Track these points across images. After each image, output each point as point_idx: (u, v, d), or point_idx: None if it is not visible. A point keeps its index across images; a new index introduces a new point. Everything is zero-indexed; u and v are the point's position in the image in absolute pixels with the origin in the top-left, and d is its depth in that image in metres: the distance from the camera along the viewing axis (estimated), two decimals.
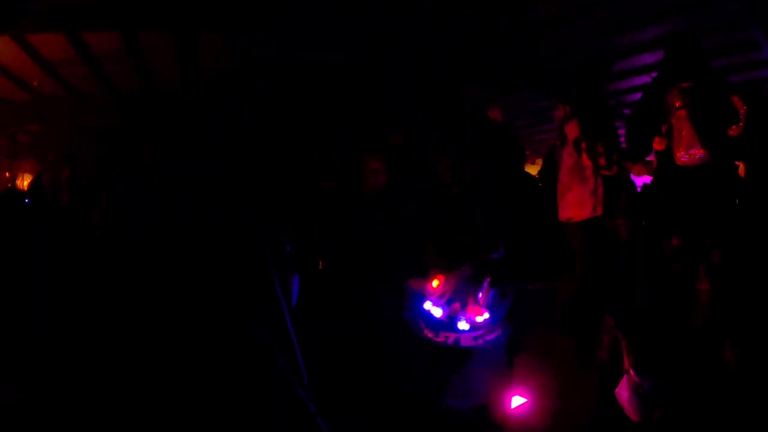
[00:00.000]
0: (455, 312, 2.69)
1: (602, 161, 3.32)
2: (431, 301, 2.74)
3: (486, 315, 2.64)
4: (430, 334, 2.63)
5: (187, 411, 0.52)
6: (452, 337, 2.59)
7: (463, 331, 2.60)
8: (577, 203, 3.46)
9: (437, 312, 2.68)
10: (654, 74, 7.25)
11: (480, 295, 2.76)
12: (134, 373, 0.53)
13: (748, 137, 2.68)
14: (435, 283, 2.81)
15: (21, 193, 7.02)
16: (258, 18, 5.32)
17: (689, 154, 2.73)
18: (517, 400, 2.27)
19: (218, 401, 0.53)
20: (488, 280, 2.85)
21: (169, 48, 6.47)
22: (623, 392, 2.51)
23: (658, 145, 2.88)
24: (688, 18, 5.37)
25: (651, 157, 3.27)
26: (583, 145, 3.34)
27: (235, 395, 0.53)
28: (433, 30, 5.72)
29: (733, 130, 2.70)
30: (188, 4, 5.04)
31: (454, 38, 6.00)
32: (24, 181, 10.05)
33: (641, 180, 6.37)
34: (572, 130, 3.43)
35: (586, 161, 3.34)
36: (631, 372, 2.50)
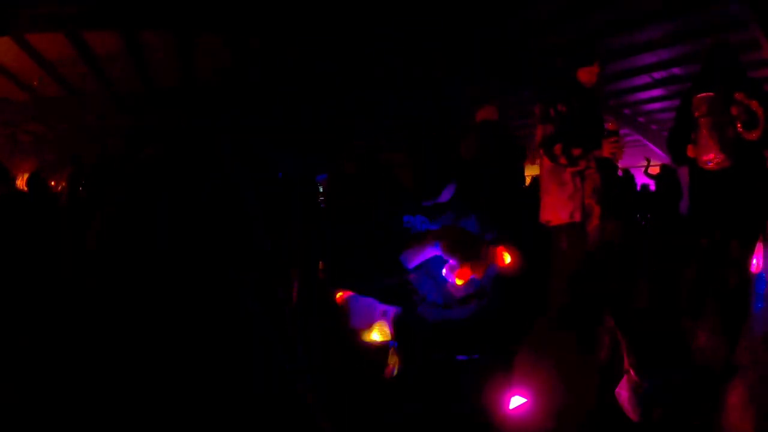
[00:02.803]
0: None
1: (563, 160, 3.28)
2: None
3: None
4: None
5: (187, 408, 0.52)
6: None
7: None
8: (554, 207, 3.36)
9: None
10: (654, 74, 7.28)
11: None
12: (136, 373, 0.53)
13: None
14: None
15: (21, 193, 7.01)
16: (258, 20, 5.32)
17: (711, 159, 2.89)
18: (516, 401, 2.27)
19: (220, 398, 0.53)
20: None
21: (169, 48, 6.47)
22: (623, 392, 2.51)
23: (690, 152, 3.03)
24: (688, 18, 5.38)
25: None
26: (541, 151, 3.34)
27: (237, 390, 0.53)
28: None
29: (753, 135, 2.81)
30: (188, 4, 5.04)
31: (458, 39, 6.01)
32: (24, 181, 10.04)
33: (641, 179, 6.36)
34: (538, 135, 3.42)
35: (549, 162, 3.33)
36: (631, 372, 2.50)
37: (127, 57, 6.68)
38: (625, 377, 2.54)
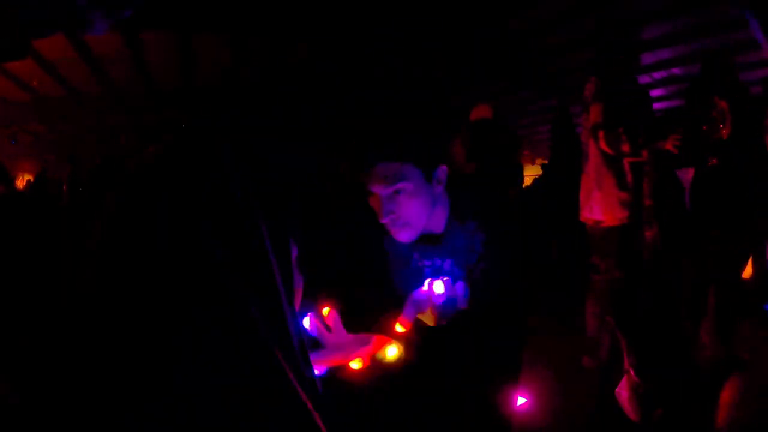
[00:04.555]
0: None
1: (625, 148, 2.80)
2: None
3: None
4: None
5: (182, 409, 0.52)
6: None
7: None
8: (608, 204, 2.92)
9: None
10: (654, 74, 7.28)
11: None
12: (126, 373, 0.53)
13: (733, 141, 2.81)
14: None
15: (21, 194, 7.02)
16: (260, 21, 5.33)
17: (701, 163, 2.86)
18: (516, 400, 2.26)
19: (214, 399, 0.52)
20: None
21: (170, 48, 6.48)
22: (623, 392, 2.51)
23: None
24: (688, 18, 5.38)
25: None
26: (601, 133, 2.81)
27: (232, 393, 0.53)
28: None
29: (723, 133, 2.80)
30: (188, 5, 5.04)
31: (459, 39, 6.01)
32: (24, 181, 10.06)
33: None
34: (594, 114, 2.88)
35: (607, 149, 2.84)
36: (631, 372, 2.50)
37: (127, 57, 6.69)
38: (625, 377, 2.55)
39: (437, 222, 1.34)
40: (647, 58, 6.62)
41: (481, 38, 6.08)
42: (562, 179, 4.20)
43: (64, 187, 6.58)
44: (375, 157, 1.20)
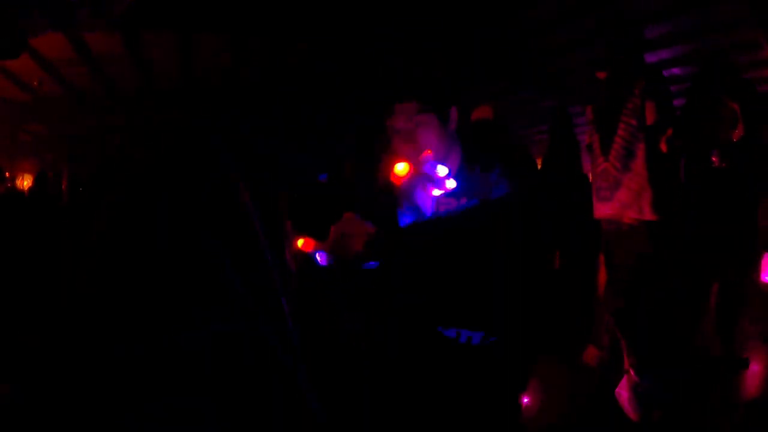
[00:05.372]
0: None
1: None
2: None
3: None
4: None
5: (187, 404, 0.52)
6: None
7: None
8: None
9: None
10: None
11: None
12: (133, 371, 0.54)
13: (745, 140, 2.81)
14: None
15: (21, 193, 7.02)
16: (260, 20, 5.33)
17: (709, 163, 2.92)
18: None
19: (220, 393, 0.53)
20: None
21: (170, 48, 6.47)
22: (623, 392, 2.52)
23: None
24: (688, 18, 5.38)
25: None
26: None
27: (236, 386, 0.54)
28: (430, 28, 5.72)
29: (734, 134, 2.82)
30: (188, 5, 5.04)
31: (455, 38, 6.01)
32: (24, 181, 10.06)
33: None
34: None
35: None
36: (631, 372, 2.51)
37: (127, 57, 6.69)
38: (625, 377, 2.55)
39: (451, 165, 1.45)
40: (647, 58, 6.61)
41: (481, 38, 6.08)
42: (562, 179, 4.21)
43: (63, 187, 6.58)
44: (394, 98, 1.40)
